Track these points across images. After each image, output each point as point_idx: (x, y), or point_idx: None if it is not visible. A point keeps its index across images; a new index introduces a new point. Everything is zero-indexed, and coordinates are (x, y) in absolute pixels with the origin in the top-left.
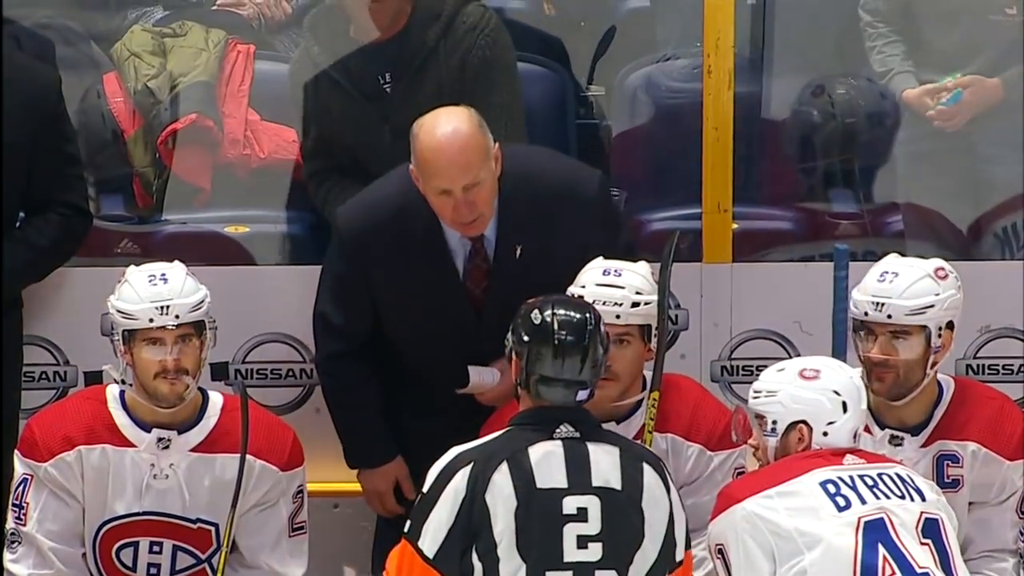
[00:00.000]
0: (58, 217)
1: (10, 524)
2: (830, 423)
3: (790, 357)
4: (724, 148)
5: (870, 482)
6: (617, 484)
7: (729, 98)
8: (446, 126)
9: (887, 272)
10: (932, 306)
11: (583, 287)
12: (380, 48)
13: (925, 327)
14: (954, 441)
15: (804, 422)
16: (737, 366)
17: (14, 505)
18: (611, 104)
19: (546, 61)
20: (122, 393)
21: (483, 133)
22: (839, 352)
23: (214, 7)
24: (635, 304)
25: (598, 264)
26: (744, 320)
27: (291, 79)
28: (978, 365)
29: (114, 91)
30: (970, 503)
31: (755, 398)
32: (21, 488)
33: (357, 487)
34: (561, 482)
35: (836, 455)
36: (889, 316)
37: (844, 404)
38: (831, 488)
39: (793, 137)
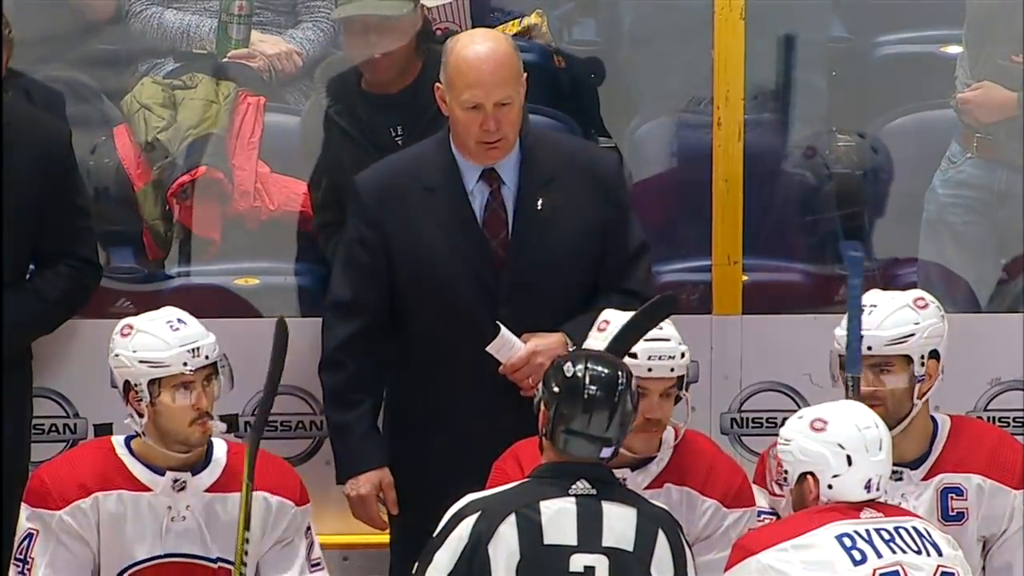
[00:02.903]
0: (68, 269)
1: None
2: (835, 476)
3: (800, 409)
4: (734, 200)
5: (887, 536)
6: (629, 546)
7: (739, 150)
8: (483, 42)
9: (866, 306)
10: (912, 335)
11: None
12: (392, 100)
13: (908, 357)
14: (957, 474)
15: (812, 473)
16: (747, 419)
17: (17, 560)
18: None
19: (554, 112)
20: (127, 440)
21: (517, 55)
22: (854, 363)
23: (224, 59)
24: (683, 355)
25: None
26: (754, 372)
27: (302, 131)
28: (989, 417)
29: (124, 143)
30: (984, 539)
31: (779, 444)
32: (25, 543)
33: (367, 539)
34: (571, 539)
35: (853, 508)
36: (869, 348)
37: (848, 458)
38: (847, 542)
39: (791, 199)
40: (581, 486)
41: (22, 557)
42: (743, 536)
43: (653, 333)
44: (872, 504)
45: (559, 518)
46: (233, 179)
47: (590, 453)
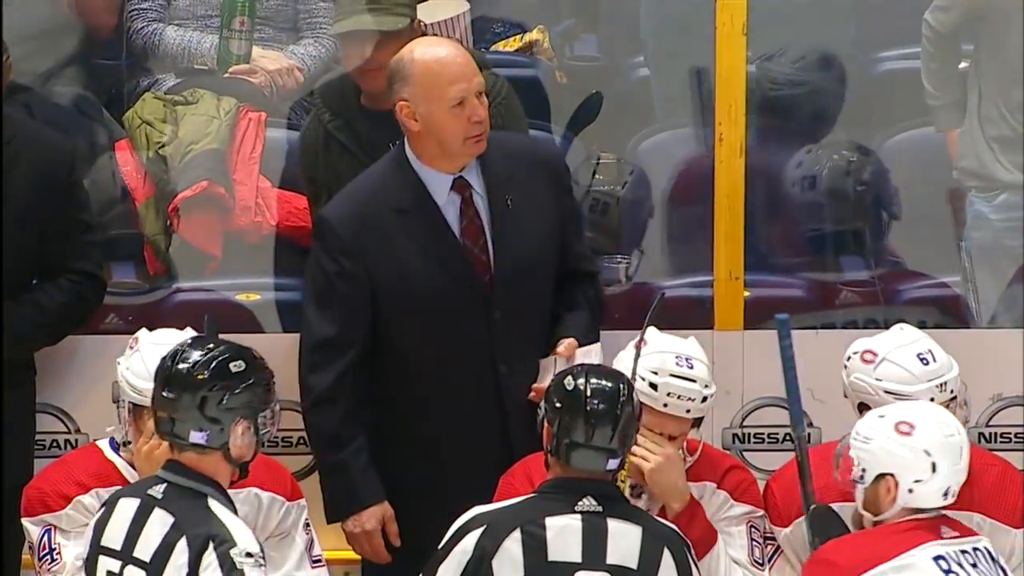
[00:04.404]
0: (68, 283)
1: None
2: (917, 481)
3: None
4: (736, 216)
5: (971, 560)
6: (633, 563)
7: (740, 166)
8: (439, 43)
9: (922, 353)
10: None
11: (655, 372)
12: (390, 115)
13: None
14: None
15: (892, 475)
16: (749, 433)
17: (43, 557)
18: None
19: (553, 128)
20: (112, 444)
21: None
22: (797, 421)
23: (226, 75)
24: (704, 399)
25: (665, 346)
26: (756, 388)
27: (302, 146)
28: (990, 433)
29: (126, 158)
30: None
31: (853, 440)
32: (45, 538)
33: None
34: (575, 556)
35: (932, 528)
36: (952, 391)
37: (934, 465)
38: (943, 564)
39: (790, 208)
40: (587, 503)
41: (46, 552)
42: (825, 550)
43: (682, 370)
44: (944, 520)
45: (564, 535)
46: (234, 194)
47: (596, 465)
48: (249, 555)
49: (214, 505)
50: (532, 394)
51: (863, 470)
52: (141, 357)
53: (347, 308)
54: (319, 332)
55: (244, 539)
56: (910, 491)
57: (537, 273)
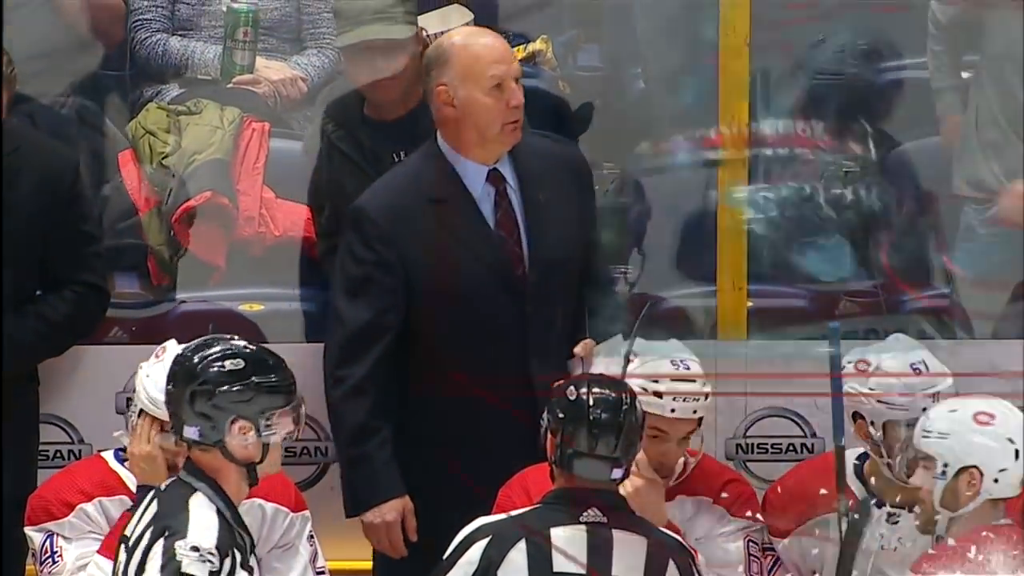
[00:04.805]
0: (72, 294)
1: None
2: (1001, 470)
3: (805, 435)
4: (738, 226)
5: None
6: (638, 574)
7: (744, 175)
8: (478, 30)
9: (916, 363)
10: None
11: (656, 381)
12: (394, 126)
13: None
14: None
15: (976, 467)
16: (752, 444)
17: (45, 560)
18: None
19: (556, 137)
20: (118, 456)
21: None
22: (839, 433)
23: (229, 85)
24: (706, 396)
25: (657, 353)
26: (759, 398)
27: (305, 156)
28: None
29: (129, 168)
30: None
31: (925, 438)
32: (47, 543)
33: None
34: (580, 567)
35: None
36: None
37: (1017, 452)
38: None
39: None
40: (592, 513)
41: (48, 556)
42: (946, 555)
43: (681, 372)
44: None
45: (569, 545)
46: (238, 204)
47: (600, 475)
48: (195, 549)
49: (195, 500)
50: None
51: (944, 465)
52: (165, 368)
53: (381, 296)
54: (352, 322)
55: (199, 535)
56: (995, 481)
57: (567, 268)
